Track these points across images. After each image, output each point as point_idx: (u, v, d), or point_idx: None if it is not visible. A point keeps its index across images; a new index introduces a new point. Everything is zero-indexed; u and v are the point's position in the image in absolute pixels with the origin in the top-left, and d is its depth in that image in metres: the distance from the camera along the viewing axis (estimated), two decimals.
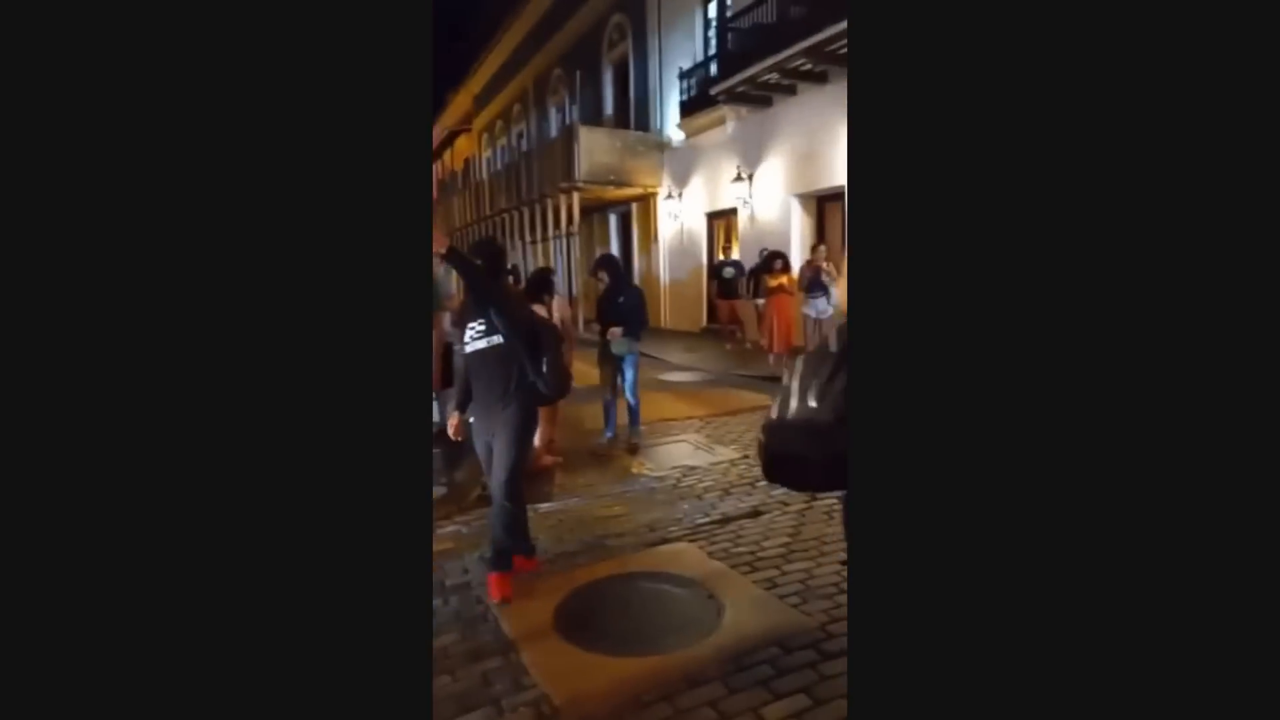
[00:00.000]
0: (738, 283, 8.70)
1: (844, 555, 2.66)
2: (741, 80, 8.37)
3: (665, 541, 2.91)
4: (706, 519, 3.18)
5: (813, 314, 6.53)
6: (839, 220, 8.23)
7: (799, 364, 1.42)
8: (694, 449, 4.43)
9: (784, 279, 6.92)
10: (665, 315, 11.73)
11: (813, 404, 1.35)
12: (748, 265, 8.55)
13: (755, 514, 3.22)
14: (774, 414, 1.39)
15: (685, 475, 3.87)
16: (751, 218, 9.55)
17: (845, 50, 7.19)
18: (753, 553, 2.78)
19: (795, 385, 1.39)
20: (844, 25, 6.62)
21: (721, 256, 10.37)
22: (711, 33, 10.25)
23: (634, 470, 3.96)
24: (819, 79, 7.92)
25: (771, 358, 7.00)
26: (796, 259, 8.69)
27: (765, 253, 7.65)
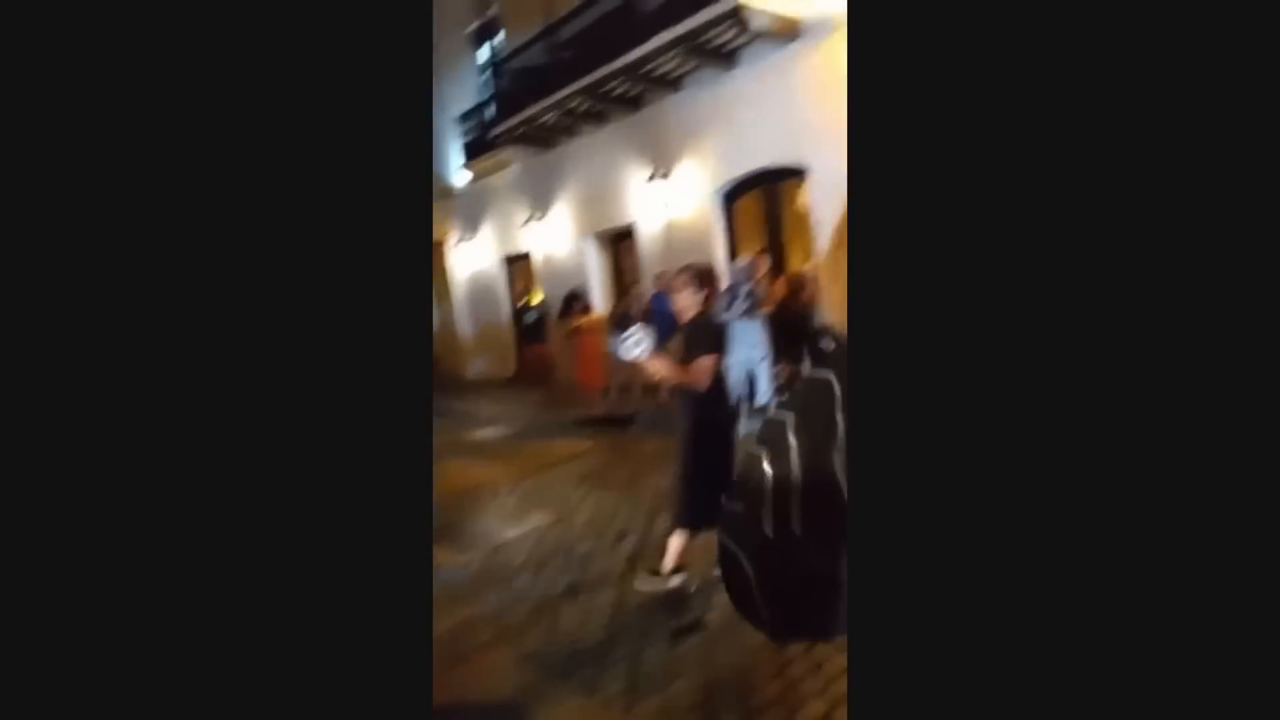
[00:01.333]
0: (542, 326, 8.38)
1: (681, 622, 2.39)
2: (520, 122, 8.17)
3: (467, 656, 2.40)
4: (517, 609, 2.72)
5: (620, 354, 6.37)
6: (632, 258, 8.31)
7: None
8: (501, 520, 3.94)
9: (583, 320, 6.72)
10: (468, 368, 11.04)
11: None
12: (555, 305, 8.26)
13: (572, 593, 2.83)
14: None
15: (493, 555, 3.38)
16: (546, 259, 9.33)
17: (620, 90, 7.32)
18: (571, 646, 2.38)
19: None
20: (618, 64, 6.71)
21: (522, 301, 9.99)
22: (487, 75, 10.00)
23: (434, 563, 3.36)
24: (598, 118, 7.99)
25: (582, 398, 6.71)
26: (598, 298, 8.62)
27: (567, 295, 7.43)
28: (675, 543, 2.63)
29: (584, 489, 4.35)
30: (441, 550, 3.44)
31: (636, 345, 6.97)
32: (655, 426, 6.03)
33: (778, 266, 6.26)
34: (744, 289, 5.42)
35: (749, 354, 5.39)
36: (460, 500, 4.34)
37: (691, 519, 2.57)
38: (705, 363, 2.51)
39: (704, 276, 2.70)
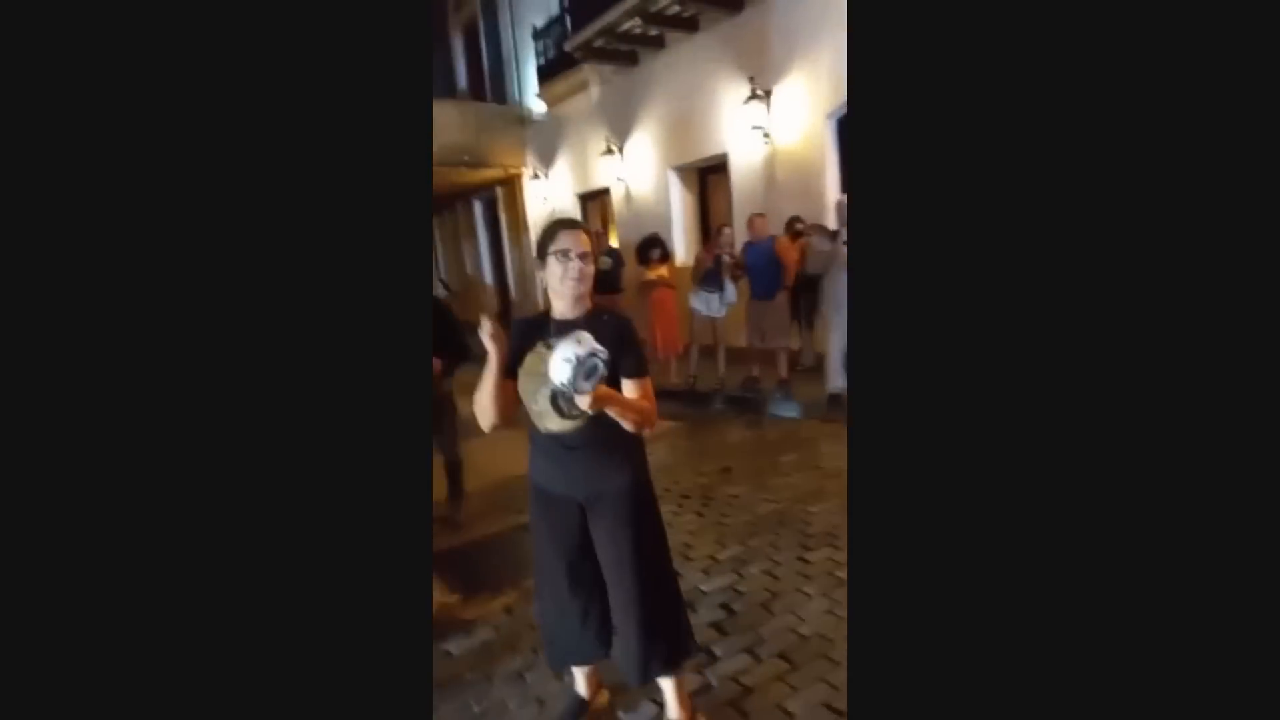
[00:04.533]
0: (618, 274, 7.40)
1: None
2: (599, 30, 6.99)
3: None
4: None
5: (703, 310, 5.34)
6: (724, 196, 7.10)
7: None
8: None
9: (663, 269, 5.68)
10: None
11: None
12: (632, 250, 7.27)
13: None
14: None
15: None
16: (627, 197, 8.26)
17: None
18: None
19: None
20: None
21: (600, 245, 9.03)
22: None
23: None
24: (689, 25, 6.70)
25: (656, 364, 5.77)
26: (680, 243, 7.52)
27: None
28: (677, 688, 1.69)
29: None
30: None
31: (725, 301, 5.57)
32: (739, 409, 5.00)
33: None
34: (845, 234, 4.20)
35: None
36: (494, 498, 3.55)
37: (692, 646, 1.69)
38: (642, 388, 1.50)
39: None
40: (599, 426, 1.48)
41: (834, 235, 4.43)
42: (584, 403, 1.35)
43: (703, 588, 2.45)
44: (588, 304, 1.54)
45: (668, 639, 1.59)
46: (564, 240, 1.48)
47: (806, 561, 2.57)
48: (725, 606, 2.31)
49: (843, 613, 2.20)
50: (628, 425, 1.44)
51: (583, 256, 1.47)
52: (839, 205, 4.49)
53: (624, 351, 1.47)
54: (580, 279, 1.48)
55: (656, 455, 4.05)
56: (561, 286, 1.48)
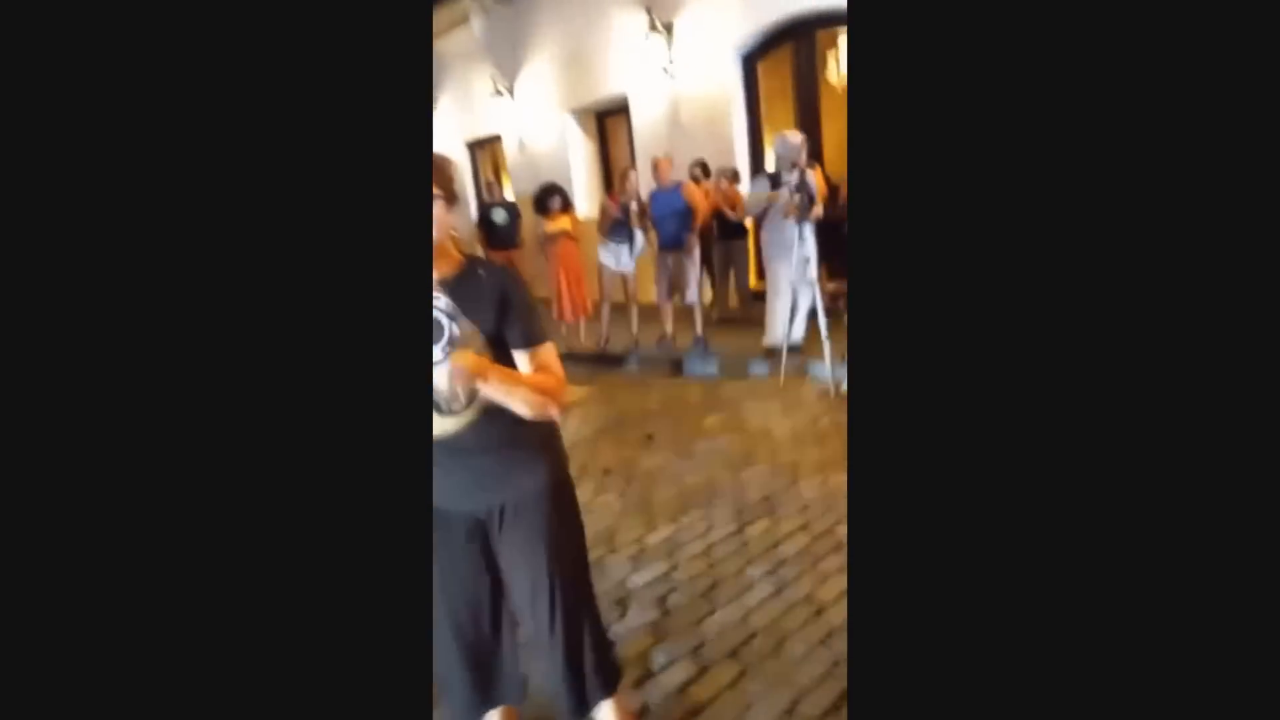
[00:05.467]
0: (514, 228, 6.82)
1: None
2: None
3: None
4: None
5: (612, 264, 4.95)
6: (624, 140, 6.64)
7: None
8: None
9: (565, 221, 5.21)
10: None
11: None
12: (528, 202, 6.69)
13: None
14: None
15: None
16: (520, 144, 7.61)
17: None
18: None
19: None
20: None
21: (489, 196, 8.34)
22: None
23: None
24: None
25: (564, 326, 5.35)
26: (581, 193, 7.02)
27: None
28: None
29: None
30: None
31: (634, 252, 5.17)
32: (656, 368, 4.71)
33: (813, 152, 4.71)
34: (792, 179, 3.92)
35: (798, 268, 3.98)
36: None
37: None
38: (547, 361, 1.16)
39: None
40: (493, 420, 1.11)
41: (772, 178, 4.11)
42: (442, 382, 0.98)
43: (633, 582, 2.14)
44: (454, 258, 1.14)
45: (601, 660, 1.28)
46: None
47: (745, 538, 2.32)
48: (660, 603, 2.02)
49: (792, 593, 1.96)
50: (522, 410, 1.08)
51: None
52: (781, 145, 4.10)
53: (507, 313, 1.10)
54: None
55: (569, 429, 3.68)
56: None
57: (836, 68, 5.31)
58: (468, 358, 1.02)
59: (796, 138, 4.02)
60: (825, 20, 4.97)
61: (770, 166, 4.46)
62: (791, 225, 3.90)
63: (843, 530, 2.27)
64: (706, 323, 4.87)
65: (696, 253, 4.69)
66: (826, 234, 4.30)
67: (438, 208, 1.07)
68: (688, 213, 4.53)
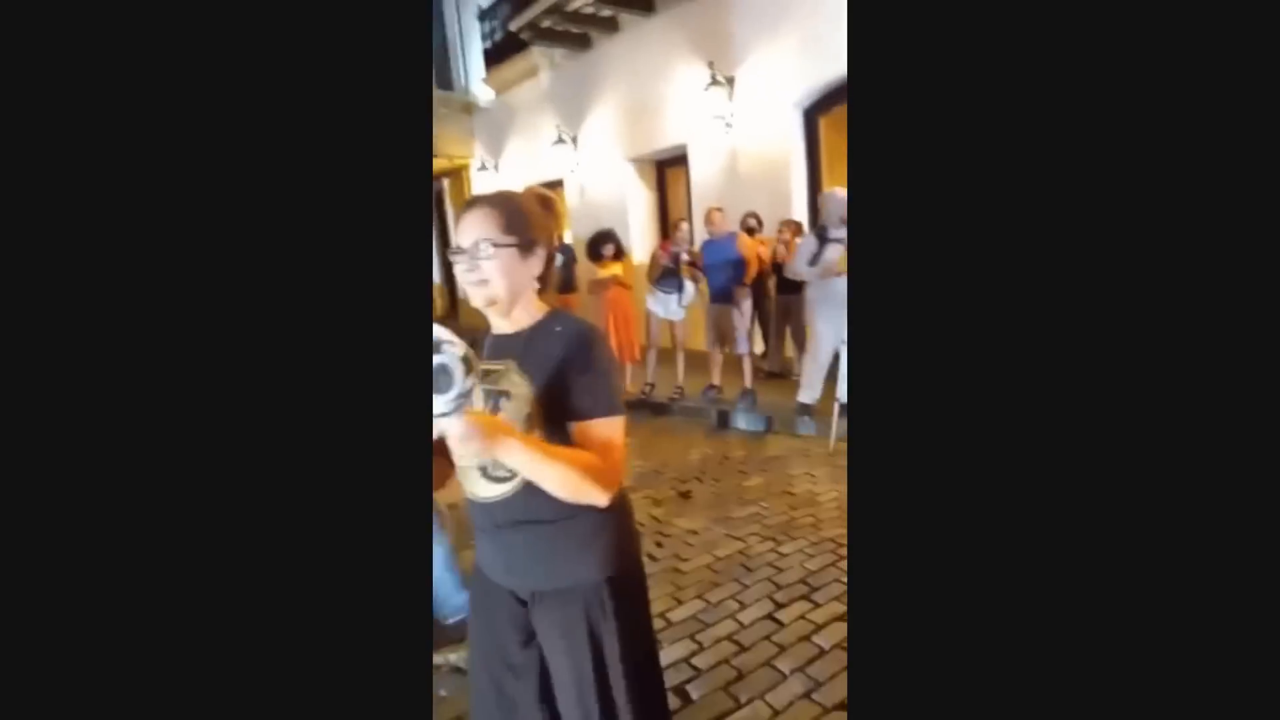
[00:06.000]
0: (570, 273, 6.89)
1: None
2: (547, 9, 6.46)
3: None
4: None
5: (660, 312, 4.89)
6: (682, 190, 6.66)
7: None
8: None
9: (616, 268, 5.20)
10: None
11: None
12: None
13: None
14: None
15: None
16: (581, 190, 7.76)
17: None
18: None
19: None
20: None
21: None
22: None
23: None
24: (644, 6, 6.23)
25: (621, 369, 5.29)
26: (638, 240, 7.06)
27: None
28: None
29: None
30: None
31: (684, 302, 5.12)
32: (704, 418, 4.57)
33: None
34: (840, 235, 3.79)
35: (838, 326, 3.82)
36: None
37: None
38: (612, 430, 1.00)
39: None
40: (536, 494, 0.96)
41: (819, 233, 4.00)
42: (453, 440, 0.87)
43: None
44: (532, 310, 1.03)
45: None
46: (459, 230, 1.00)
47: (778, 622, 2.13)
48: (680, 692, 1.85)
49: (825, 696, 1.76)
50: (553, 490, 0.94)
51: (477, 248, 0.97)
52: (827, 201, 4.03)
53: (568, 375, 0.96)
54: (480, 283, 0.98)
55: None
56: (470, 295, 1.00)
57: None
58: (478, 416, 0.89)
59: (844, 193, 3.91)
60: None
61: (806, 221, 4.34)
62: (840, 283, 3.74)
63: None
64: (756, 376, 4.72)
65: (747, 304, 4.58)
66: None
67: (486, 257, 0.97)
68: (740, 264, 4.44)
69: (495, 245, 0.97)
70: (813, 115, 5.50)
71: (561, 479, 0.92)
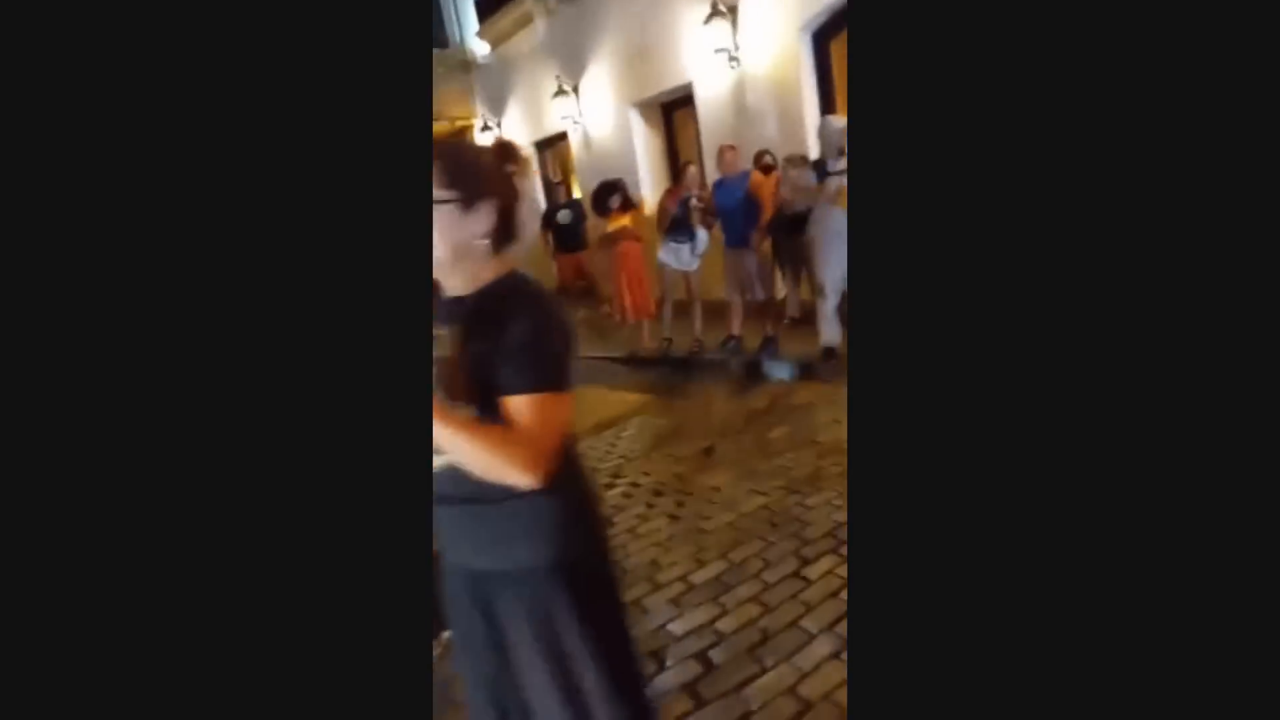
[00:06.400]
0: (580, 229, 6.71)
1: None
2: None
3: None
4: None
5: (673, 263, 4.72)
6: (693, 132, 6.36)
7: None
8: None
9: (625, 219, 5.01)
10: None
11: None
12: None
13: None
14: None
15: None
16: (585, 141, 7.49)
17: None
18: None
19: None
20: None
21: (557, 197, 8.27)
22: None
23: None
24: None
25: (627, 328, 5.17)
26: (649, 188, 6.82)
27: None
28: None
29: (625, 493, 2.89)
30: None
31: (698, 251, 5.07)
32: (727, 371, 4.43)
33: None
34: (838, 166, 3.55)
35: (844, 264, 3.62)
36: None
37: None
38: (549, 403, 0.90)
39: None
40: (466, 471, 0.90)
41: (817, 165, 3.77)
42: None
43: (674, 628, 1.91)
44: (485, 271, 0.94)
45: None
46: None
47: (805, 580, 2.04)
48: (702, 657, 1.78)
49: None
50: (473, 469, 0.87)
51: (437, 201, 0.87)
52: (824, 129, 3.80)
53: (500, 347, 0.88)
54: (439, 236, 0.88)
55: (622, 441, 3.49)
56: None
57: None
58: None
59: (841, 121, 3.66)
60: None
61: (813, 153, 4.09)
62: (841, 219, 3.53)
63: None
64: (777, 323, 4.54)
65: (766, 246, 4.37)
66: None
67: (454, 211, 0.88)
68: (754, 204, 4.22)
69: (444, 201, 0.87)
70: (822, 39, 5.13)
71: (472, 457, 0.86)
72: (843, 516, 2.36)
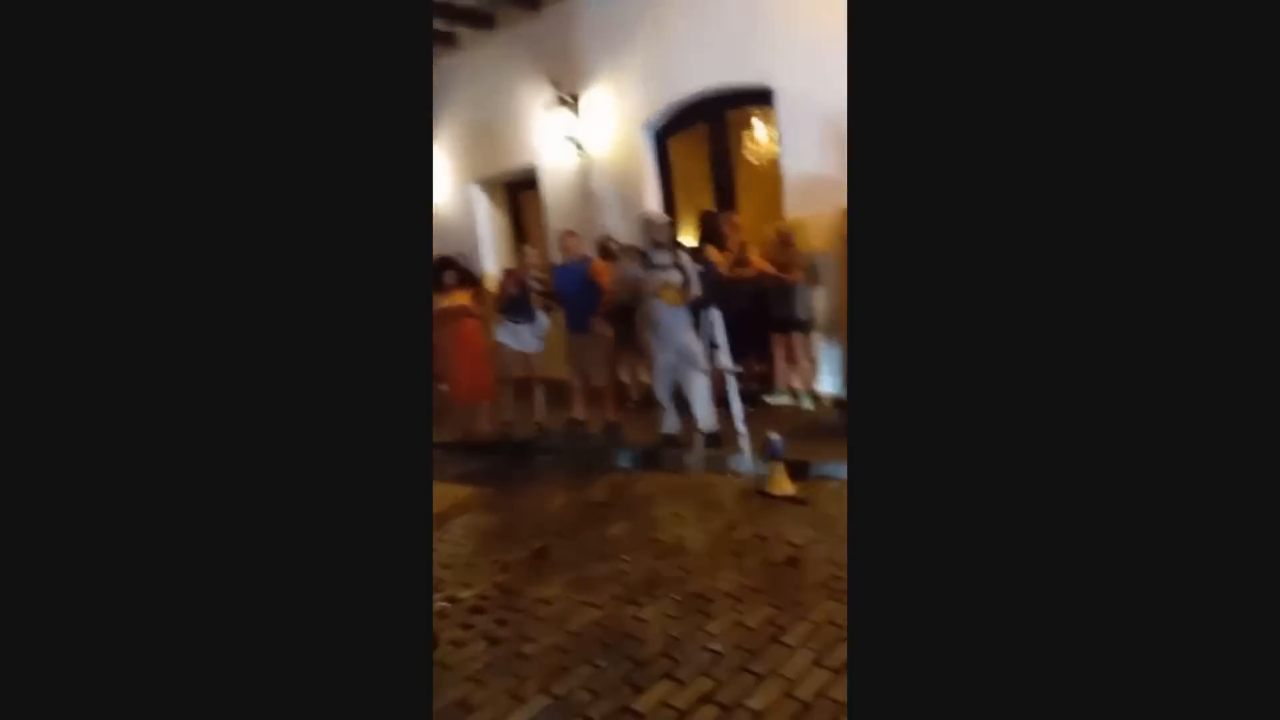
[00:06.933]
0: None
1: None
2: None
3: None
4: None
5: (512, 343, 4.49)
6: (536, 213, 6.32)
7: None
8: None
9: (463, 296, 4.72)
10: None
11: None
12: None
13: None
14: None
15: None
16: (434, 216, 7.18)
17: None
18: None
19: None
20: None
21: None
22: None
23: None
24: (484, 22, 5.87)
25: (460, 412, 4.79)
26: (493, 267, 6.61)
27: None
28: None
29: (440, 612, 2.48)
30: None
31: (538, 333, 4.87)
32: (568, 460, 4.20)
33: (710, 234, 4.49)
34: (664, 260, 3.64)
35: (679, 353, 3.65)
36: None
37: None
38: None
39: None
40: None
41: (642, 257, 3.80)
42: None
43: None
44: None
45: None
46: None
47: (636, 715, 1.79)
48: None
49: None
50: None
51: None
52: (643, 223, 3.89)
53: None
54: None
55: (443, 545, 3.10)
56: None
57: (753, 145, 5.20)
58: None
59: (661, 218, 3.85)
60: (735, 99, 4.85)
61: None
62: (665, 308, 3.60)
63: (759, 700, 1.77)
64: (620, 408, 4.43)
65: (606, 331, 4.29)
66: (739, 311, 4.01)
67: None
68: (593, 290, 4.16)
69: None
70: (663, 137, 5.39)
71: None
72: (679, 629, 2.17)
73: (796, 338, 4.34)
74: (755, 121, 5.13)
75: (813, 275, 4.22)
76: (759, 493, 3.24)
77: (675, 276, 3.63)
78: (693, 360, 3.63)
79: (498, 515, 3.44)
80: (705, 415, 3.77)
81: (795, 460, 3.31)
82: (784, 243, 4.21)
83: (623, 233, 4.99)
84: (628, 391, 4.88)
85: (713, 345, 3.63)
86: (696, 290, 3.67)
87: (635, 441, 4.13)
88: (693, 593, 2.41)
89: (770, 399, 4.46)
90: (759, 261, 4.23)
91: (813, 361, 4.41)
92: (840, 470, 3.27)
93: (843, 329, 4.13)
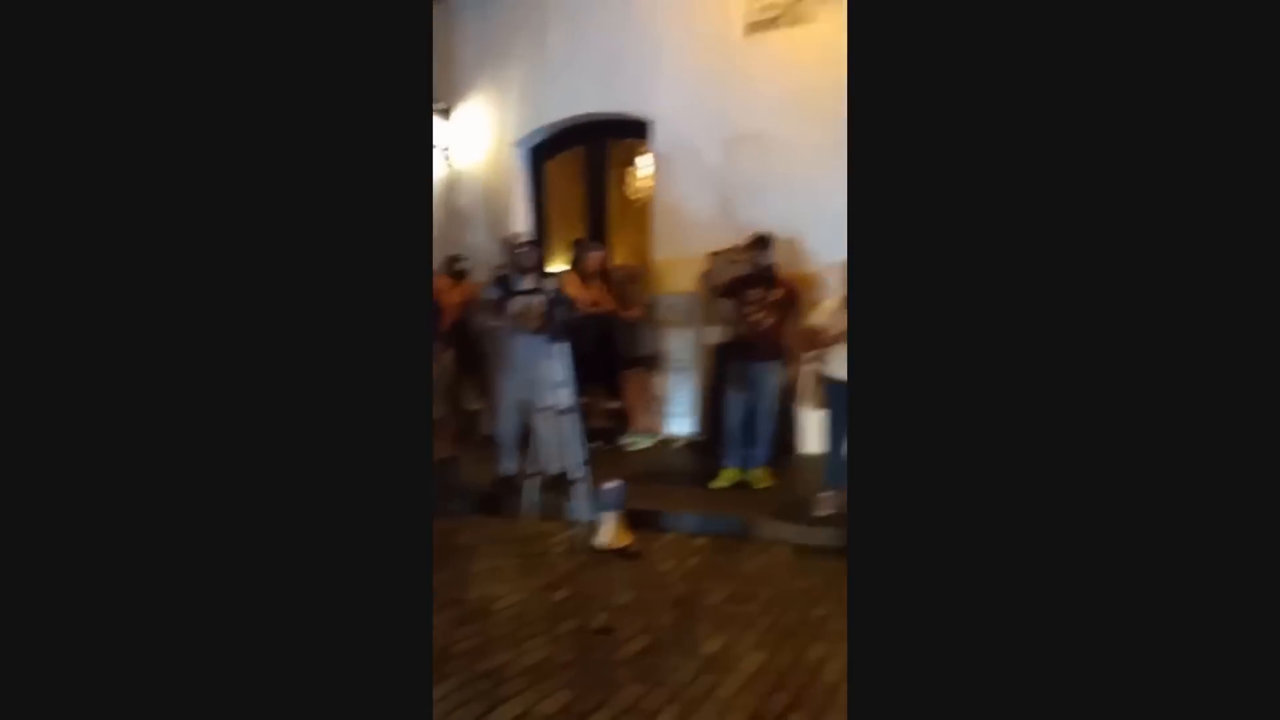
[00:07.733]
0: None
1: None
2: None
3: None
4: None
5: None
6: None
7: None
8: None
9: None
10: None
11: None
12: None
13: None
14: None
15: None
16: None
17: None
18: None
19: None
20: None
21: None
22: None
23: None
24: None
25: None
26: None
27: None
28: None
29: None
30: None
31: None
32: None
33: (577, 263, 4.28)
34: (521, 285, 3.37)
35: (533, 388, 3.35)
36: None
37: None
38: None
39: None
40: None
41: (503, 280, 3.50)
42: None
43: None
44: None
45: None
46: None
47: None
48: None
49: None
50: None
51: None
52: (505, 247, 3.62)
53: None
54: None
55: None
56: None
57: (634, 180, 5.05)
58: None
59: (526, 240, 3.65)
60: (615, 128, 4.70)
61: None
62: (521, 336, 3.33)
63: None
64: (456, 442, 4.02)
65: (446, 358, 3.89)
66: (602, 348, 3.77)
67: None
68: (433, 310, 3.76)
69: None
70: (538, 156, 5.14)
71: None
72: (461, 718, 1.80)
73: (644, 375, 4.19)
74: (638, 159, 5.00)
75: (650, 314, 4.17)
76: (590, 547, 2.95)
77: (537, 302, 3.35)
78: (547, 393, 3.32)
79: None
80: (548, 455, 3.46)
81: (641, 510, 3.06)
82: (630, 278, 4.10)
83: (485, 251, 4.64)
84: (474, 423, 4.47)
85: (558, 381, 3.34)
86: (559, 318, 3.40)
87: (470, 481, 3.72)
88: (483, 671, 2.04)
89: (625, 439, 4.23)
90: (600, 295, 4.04)
91: (659, 400, 4.27)
92: (685, 522, 3.07)
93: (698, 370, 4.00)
